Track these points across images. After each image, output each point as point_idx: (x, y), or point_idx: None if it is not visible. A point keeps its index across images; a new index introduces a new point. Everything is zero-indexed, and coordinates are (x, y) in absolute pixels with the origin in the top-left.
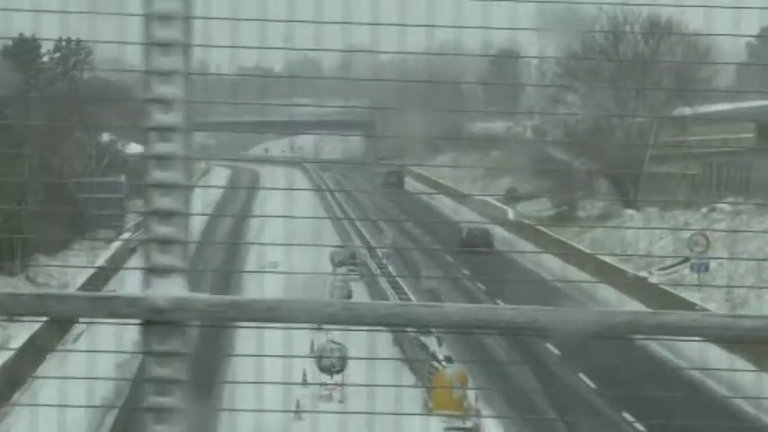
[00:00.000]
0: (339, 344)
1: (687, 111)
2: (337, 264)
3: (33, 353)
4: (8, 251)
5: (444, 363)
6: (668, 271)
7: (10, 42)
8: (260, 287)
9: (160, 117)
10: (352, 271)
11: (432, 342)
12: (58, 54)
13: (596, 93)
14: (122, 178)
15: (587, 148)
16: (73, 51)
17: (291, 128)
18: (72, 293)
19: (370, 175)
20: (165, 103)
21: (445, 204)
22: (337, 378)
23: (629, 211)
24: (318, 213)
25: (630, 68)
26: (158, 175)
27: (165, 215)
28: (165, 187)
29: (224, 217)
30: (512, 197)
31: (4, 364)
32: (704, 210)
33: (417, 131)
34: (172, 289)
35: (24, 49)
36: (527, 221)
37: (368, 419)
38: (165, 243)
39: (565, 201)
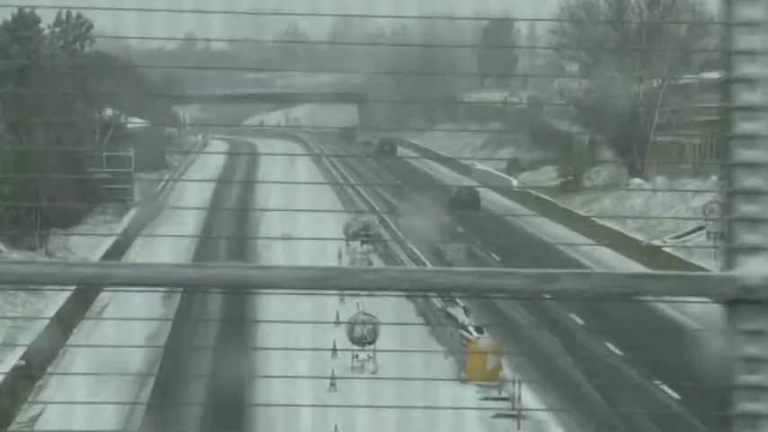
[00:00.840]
0: (370, 315)
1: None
2: (351, 235)
3: (64, 323)
4: (27, 225)
5: (476, 334)
6: (683, 239)
7: (9, 17)
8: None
9: (746, 96)
10: (365, 242)
11: (459, 312)
12: (58, 28)
13: (600, 60)
14: (130, 152)
15: (591, 117)
16: (73, 25)
17: (284, 100)
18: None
19: (364, 145)
20: (750, 82)
21: (445, 175)
22: (369, 350)
23: (637, 180)
24: (322, 187)
25: (635, 36)
26: (745, 154)
27: (752, 194)
28: (752, 166)
29: (229, 186)
30: (514, 167)
31: (42, 335)
32: (714, 177)
33: (412, 102)
34: (761, 268)
35: (23, 23)
36: (531, 191)
37: (402, 390)
38: (752, 222)
39: (570, 170)
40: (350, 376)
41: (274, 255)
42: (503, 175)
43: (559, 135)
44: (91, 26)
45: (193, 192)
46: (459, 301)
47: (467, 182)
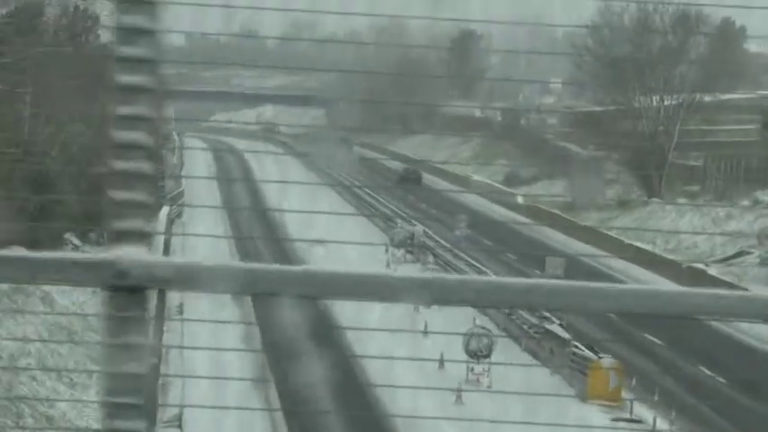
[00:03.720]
0: (487, 329)
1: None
2: (397, 244)
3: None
4: (94, 219)
5: (589, 352)
6: (727, 263)
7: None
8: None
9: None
10: (410, 251)
11: (558, 329)
12: (64, 20)
13: (621, 82)
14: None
15: (601, 135)
16: (80, 18)
17: (253, 100)
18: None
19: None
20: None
21: (444, 186)
22: (484, 364)
23: (656, 201)
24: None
25: (658, 56)
26: None
27: None
28: None
29: (231, 186)
30: (513, 180)
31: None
32: (746, 202)
33: (385, 111)
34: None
35: (28, 13)
36: (541, 206)
37: (523, 406)
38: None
39: (583, 188)
40: (473, 390)
41: (317, 260)
42: (505, 188)
43: (558, 150)
44: (97, 19)
45: (201, 190)
46: (552, 317)
47: (467, 195)
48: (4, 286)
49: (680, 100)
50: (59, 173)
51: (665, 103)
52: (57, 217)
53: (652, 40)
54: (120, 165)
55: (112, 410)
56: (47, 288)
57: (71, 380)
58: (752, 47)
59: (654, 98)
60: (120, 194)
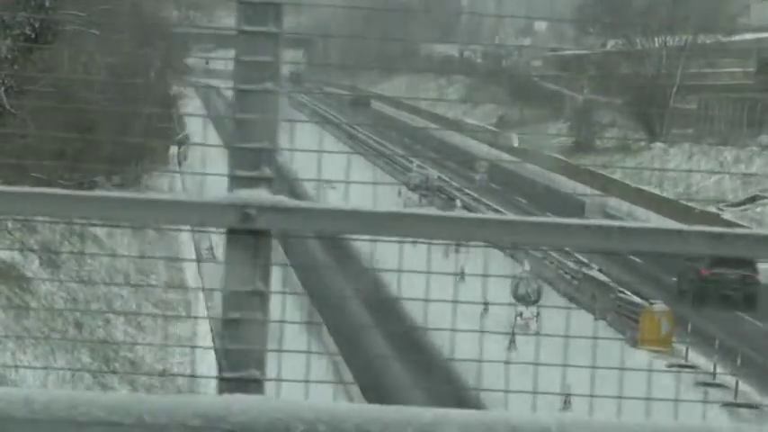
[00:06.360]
0: (535, 275)
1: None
2: (413, 188)
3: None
4: (122, 162)
5: (638, 298)
6: (741, 208)
7: None
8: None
9: None
10: (425, 195)
11: (598, 274)
12: None
13: (624, 24)
14: (174, 89)
15: (600, 78)
16: None
17: (228, 40)
18: None
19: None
20: None
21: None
22: (532, 309)
23: (659, 145)
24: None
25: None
26: None
27: None
28: None
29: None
30: (503, 123)
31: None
32: (754, 147)
33: (365, 51)
34: None
35: None
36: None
37: (575, 350)
38: None
39: (582, 129)
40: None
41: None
42: (500, 131)
43: (551, 93)
44: None
45: (197, 127)
46: (589, 262)
47: (460, 138)
48: (62, 227)
49: (683, 41)
50: (95, 115)
51: (668, 44)
52: (90, 159)
53: None
54: None
55: None
56: (96, 231)
57: (139, 323)
58: None
59: (657, 40)
60: None
